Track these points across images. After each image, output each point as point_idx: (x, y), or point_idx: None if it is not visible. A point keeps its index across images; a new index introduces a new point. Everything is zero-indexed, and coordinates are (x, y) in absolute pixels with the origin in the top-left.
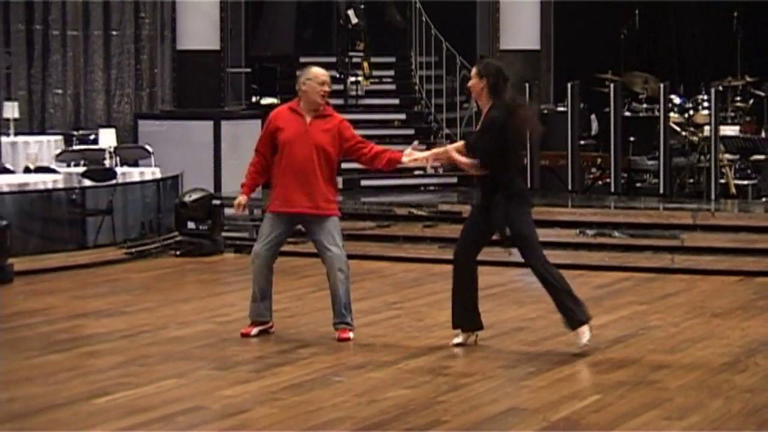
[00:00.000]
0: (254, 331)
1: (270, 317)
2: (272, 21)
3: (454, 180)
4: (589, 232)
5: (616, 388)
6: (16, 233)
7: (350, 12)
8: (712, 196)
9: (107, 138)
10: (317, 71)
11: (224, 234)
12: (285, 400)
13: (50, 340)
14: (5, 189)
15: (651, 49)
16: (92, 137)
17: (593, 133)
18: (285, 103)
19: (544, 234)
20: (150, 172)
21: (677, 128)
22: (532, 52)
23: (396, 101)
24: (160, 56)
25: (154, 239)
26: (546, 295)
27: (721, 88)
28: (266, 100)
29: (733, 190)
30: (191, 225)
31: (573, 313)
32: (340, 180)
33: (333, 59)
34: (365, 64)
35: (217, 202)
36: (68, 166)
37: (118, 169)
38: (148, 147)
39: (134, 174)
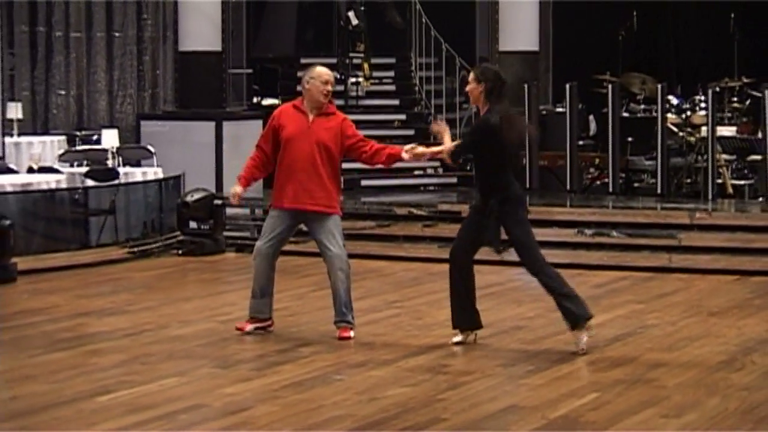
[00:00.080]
0: (249, 327)
1: (269, 315)
2: (273, 22)
3: (454, 180)
4: (588, 231)
5: (614, 386)
6: (20, 233)
7: (350, 13)
8: (710, 196)
9: (110, 138)
10: (321, 70)
11: (226, 233)
12: (286, 398)
13: (53, 338)
14: (9, 189)
15: (649, 51)
16: (95, 138)
17: (591, 133)
18: (289, 102)
19: (542, 234)
20: (152, 172)
21: (675, 129)
22: (531, 53)
23: (396, 102)
24: (162, 57)
25: (157, 239)
26: (545, 295)
27: (718, 89)
28: (267, 101)
29: (730, 190)
30: (193, 225)
31: (572, 314)
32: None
33: (333, 60)
34: (365, 65)
35: (218, 202)
36: (71, 166)
37: (121, 170)
38: (150, 147)
39: (137, 174)
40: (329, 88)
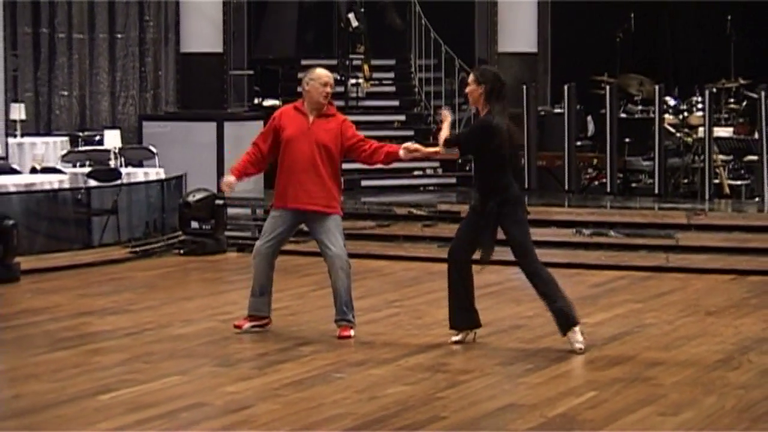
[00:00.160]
0: (247, 325)
1: (268, 313)
2: (274, 24)
3: (453, 180)
4: (586, 231)
5: (612, 384)
6: (23, 232)
7: (351, 15)
8: (706, 196)
9: (112, 139)
10: (320, 72)
11: (227, 233)
12: (287, 397)
13: (56, 337)
14: (12, 189)
15: (646, 52)
16: (97, 138)
17: (589, 134)
18: (290, 104)
19: (541, 233)
20: (154, 173)
21: (672, 129)
22: (530, 54)
23: (396, 103)
24: (164, 59)
25: (159, 238)
26: None
27: (714, 90)
28: (268, 102)
29: (727, 190)
30: (195, 224)
31: (561, 319)
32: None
33: (334, 62)
34: (366, 67)
35: (220, 202)
36: (74, 166)
37: (123, 170)
38: (152, 148)
39: (139, 174)
40: (328, 90)
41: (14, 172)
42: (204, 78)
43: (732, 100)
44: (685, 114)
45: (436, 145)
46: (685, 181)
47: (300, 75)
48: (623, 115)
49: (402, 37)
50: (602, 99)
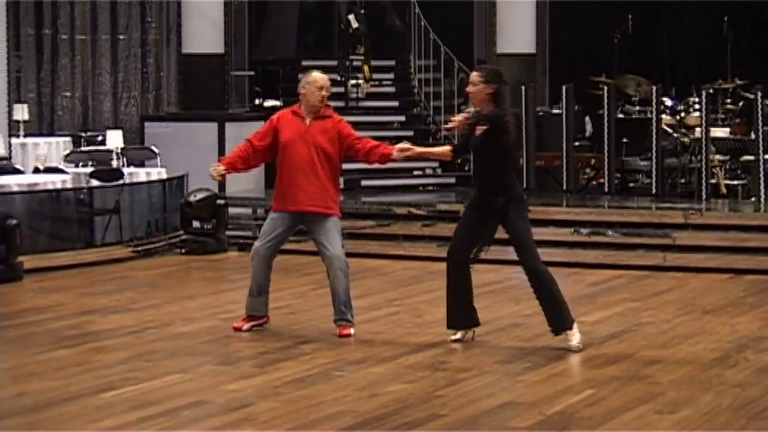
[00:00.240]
0: (246, 326)
1: (265, 312)
2: (275, 25)
3: (453, 180)
4: (584, 231)
5: (610, 382)
6: (26, 232)
7: (351, 17)
8: (703, 196)
9: (114, 139)
10: (316, 76)
11: (228, 233)
12: (287, 395)
13: (58, 336)
14: (15, 189)
15: (644, 53)
16: (100, 139)
17: (587, 134)
18: (289, 106)
19: (539, 233)
20: (156, 173)
21: (669, 130)
22: (528, 55)
23: (395, 103)
24: (166, 60)
25: (160, 238)
26: None
27: (711, 90)
28: (269, 103)
29: (724, 190)
30: (196, 224)
31: (556, 320)
32: (341, 180)
33: (334, 63)
34: (365, 68)
35: (221, 201)
36: (76, 166)
37: (125, 170)
38: (154, 148)
39: (141, 174)
40: (324, 93)
41: (17, 172)
42: (205, 79)
43: (729, 100)
44: (683, 114)
45: (436, 145)
46: (682, 181)
47: (300, 76)
48: (621, 116)
49: (401, 38)
50: (600, 99)
